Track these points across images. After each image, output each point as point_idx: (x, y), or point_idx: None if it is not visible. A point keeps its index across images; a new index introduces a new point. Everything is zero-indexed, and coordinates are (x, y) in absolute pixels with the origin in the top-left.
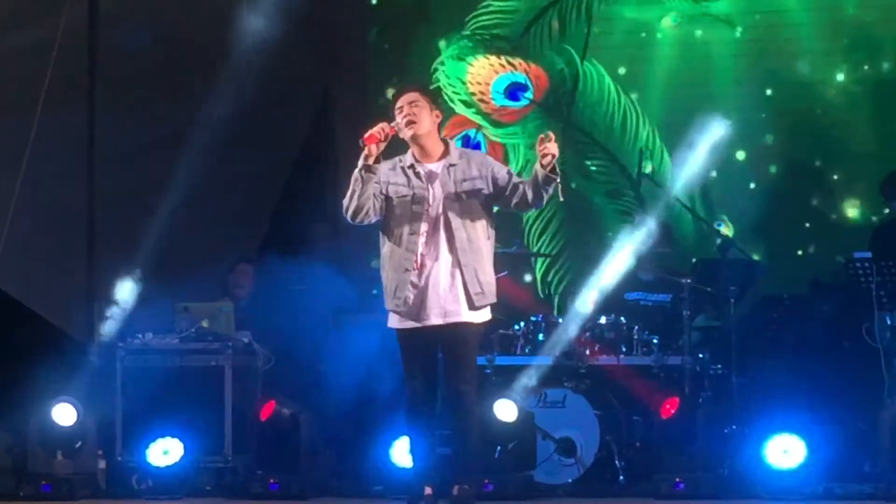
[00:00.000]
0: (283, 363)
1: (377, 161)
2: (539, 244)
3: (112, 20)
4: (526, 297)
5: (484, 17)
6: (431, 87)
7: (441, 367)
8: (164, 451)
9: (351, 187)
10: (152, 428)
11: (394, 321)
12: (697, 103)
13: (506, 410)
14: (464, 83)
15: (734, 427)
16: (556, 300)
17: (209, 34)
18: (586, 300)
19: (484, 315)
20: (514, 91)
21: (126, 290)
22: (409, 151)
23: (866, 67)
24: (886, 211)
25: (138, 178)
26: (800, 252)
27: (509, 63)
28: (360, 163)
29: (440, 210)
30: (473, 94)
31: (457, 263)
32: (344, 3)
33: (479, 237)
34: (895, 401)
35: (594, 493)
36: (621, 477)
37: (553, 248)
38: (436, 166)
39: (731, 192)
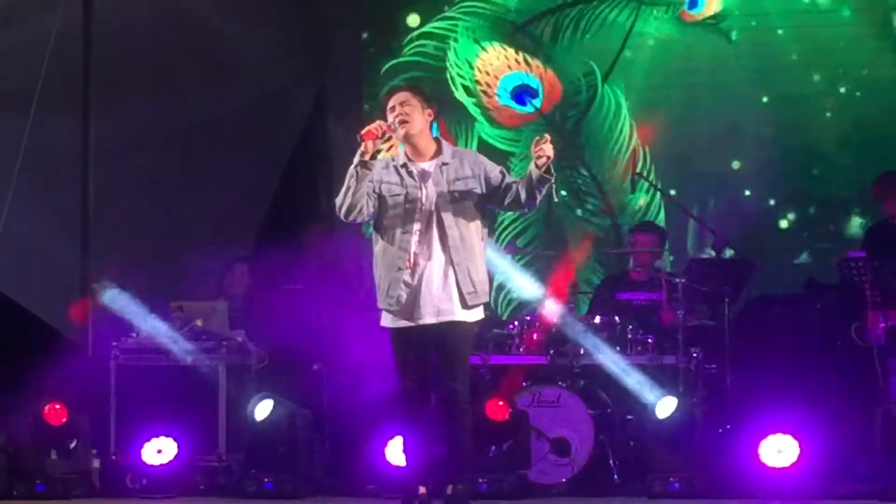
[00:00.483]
0: (278, 362)
1: (373, 157)
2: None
3: (106, 18)
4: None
5: None
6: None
7: (434, 366)
8: (158, 450)
9: (346, 183)
10: (146, 427)
11: (387, 320)
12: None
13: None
14: (472, 67)
15: (728, 426)
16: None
17: (203, 34)
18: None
19: (477, 314)
20: (522, 94)
21: (120, 290)
22: (402, 150)
23: (865, 72)
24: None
25: (133, 177)
26: (795, 262)
27: (526, 62)
28: (356, 159)
29: (433, 209)
30: (479, 82)
31: (450, 262)
32: (337, 3)
33: (473, 236)
34: (889, 399)
35: (588, 493)
36: (615, 476)
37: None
38: (428, 165)
39: (727, 201)
